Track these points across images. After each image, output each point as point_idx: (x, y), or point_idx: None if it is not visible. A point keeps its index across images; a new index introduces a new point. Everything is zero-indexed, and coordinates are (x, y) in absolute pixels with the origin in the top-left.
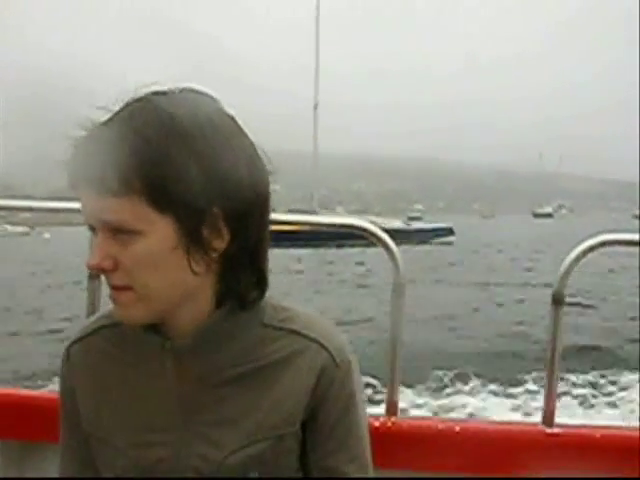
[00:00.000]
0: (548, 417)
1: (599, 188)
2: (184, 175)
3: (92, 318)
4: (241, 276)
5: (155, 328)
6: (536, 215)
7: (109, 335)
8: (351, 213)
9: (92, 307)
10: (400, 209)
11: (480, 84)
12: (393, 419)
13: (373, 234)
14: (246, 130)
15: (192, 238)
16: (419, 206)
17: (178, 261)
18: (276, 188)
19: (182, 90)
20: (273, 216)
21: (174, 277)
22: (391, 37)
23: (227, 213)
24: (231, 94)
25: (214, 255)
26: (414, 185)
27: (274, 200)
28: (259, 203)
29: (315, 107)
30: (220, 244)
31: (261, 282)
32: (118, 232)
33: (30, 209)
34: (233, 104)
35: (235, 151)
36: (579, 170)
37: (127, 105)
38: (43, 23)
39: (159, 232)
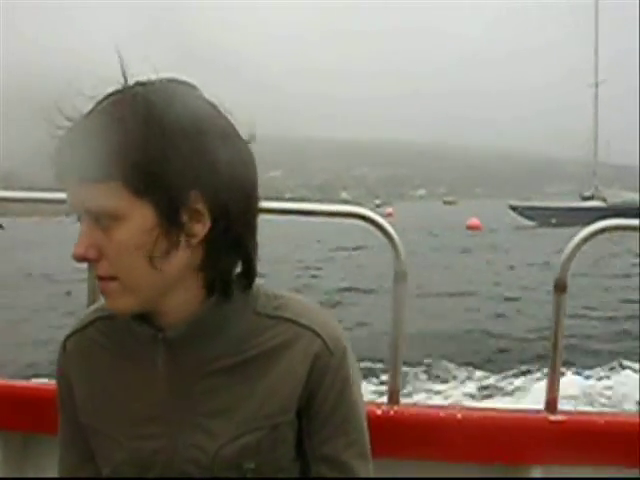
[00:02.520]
0: (551, 404)
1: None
2: (161, 160)
3: (89, 310)
4: (225, 263)
5: (147, 319)
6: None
7: (103, 327)
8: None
9: (93, 297)
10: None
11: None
12: (395, 407)
13: (374, 221)
14: (228, 115)
15: (171, 222)
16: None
17: (158, 246)
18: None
19: (162, 80)
20: (270, 204)
21: (156, 263)
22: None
23: (207, 197)
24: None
25: (195, 240)
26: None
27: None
28: (242, 188)
29: (596, 86)
30: (201, 229)
31: (249, 270)
32: (100, 219)
33: (29, 200)
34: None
35: (212, 136)
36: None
37: (108, 96)
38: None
39: (139, 217)
